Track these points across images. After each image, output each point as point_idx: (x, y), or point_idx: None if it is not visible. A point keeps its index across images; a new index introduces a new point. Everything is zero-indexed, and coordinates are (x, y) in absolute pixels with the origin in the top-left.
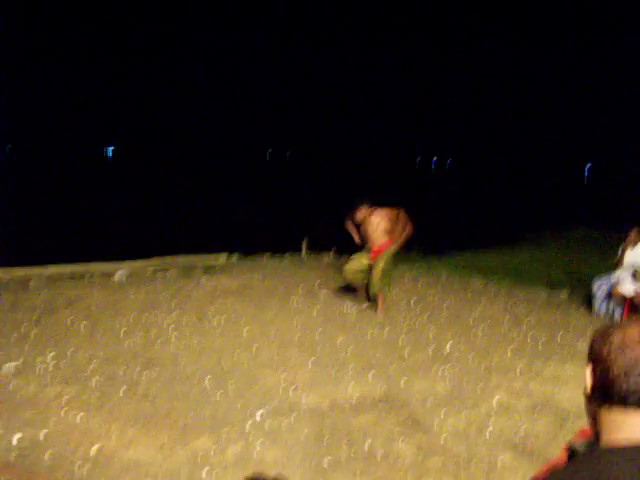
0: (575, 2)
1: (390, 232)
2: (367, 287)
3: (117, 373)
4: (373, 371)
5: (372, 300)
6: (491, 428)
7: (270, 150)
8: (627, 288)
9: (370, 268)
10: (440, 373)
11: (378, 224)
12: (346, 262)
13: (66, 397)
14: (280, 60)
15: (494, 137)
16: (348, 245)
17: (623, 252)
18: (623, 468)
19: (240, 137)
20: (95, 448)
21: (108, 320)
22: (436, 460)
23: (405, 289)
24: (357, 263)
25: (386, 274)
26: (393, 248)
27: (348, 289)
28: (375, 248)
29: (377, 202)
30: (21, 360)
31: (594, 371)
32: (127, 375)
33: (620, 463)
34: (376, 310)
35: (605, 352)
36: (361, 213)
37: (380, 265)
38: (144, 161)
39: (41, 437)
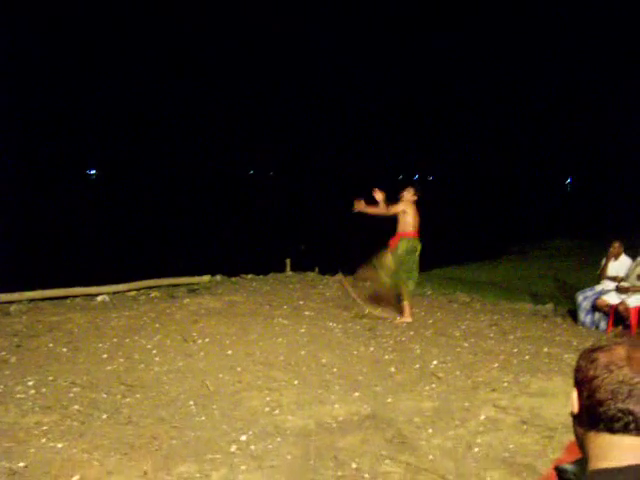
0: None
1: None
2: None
3: (99, 399)
4: (359, 390)
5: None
6: (479, 444)
7: (252, 171)
8: (612, 298)
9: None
10: (427, 390)
11: (414, 215)
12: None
13: (46, 425)
14: (263, 78)
15: (476, 152)
16: (331, 264)
17: (606, 264)
18: None
19: (222, 158)
20: (76, 478)
21: (90, 344)
22: (425, 479)
23: (390, 305)
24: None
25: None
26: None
27: (333, 307)
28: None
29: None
30: (0, 387)
31: (580, 394)
32: (109, 400)
33: None
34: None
35: (591, 374)
36: (410, 196)
37: (390, 259)
38: (126, 184)
39: (20, 468)
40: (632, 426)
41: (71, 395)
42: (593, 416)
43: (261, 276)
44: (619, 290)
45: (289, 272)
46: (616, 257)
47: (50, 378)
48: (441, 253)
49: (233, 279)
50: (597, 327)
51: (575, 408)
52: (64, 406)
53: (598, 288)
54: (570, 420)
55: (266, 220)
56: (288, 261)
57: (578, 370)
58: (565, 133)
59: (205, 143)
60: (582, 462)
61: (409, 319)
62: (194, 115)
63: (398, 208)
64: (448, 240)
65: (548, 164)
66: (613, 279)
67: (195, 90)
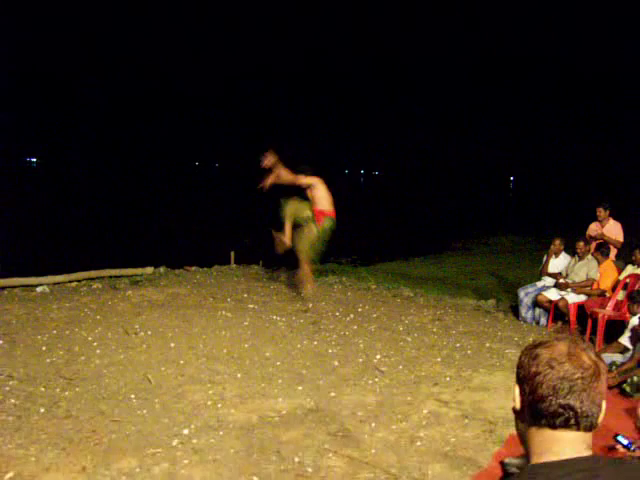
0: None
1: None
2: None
3: (36, 392)
4: (302, 384)
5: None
6: (422, 438)
7: (197, 163)
8: (552, 294)
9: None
10: (370, 384)
11: (326, 192)
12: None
13: None
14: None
15: (421, 149)
16: (276, 256)
17: (547, 261)
18: None
19: (167, 150)
20: (10, 475)
21: (28, 336)
22: (367, 473)
23: (334, 299)
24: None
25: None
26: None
27: (277, 300)
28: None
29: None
30: None
31: (522, 390)
32: (47, 394)
33: None
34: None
35: (533, 371)
36: (307, 177)
37: (315, 232)
38: (69, 173)
39: None
40: (572, 421)
41: (7, 389)
42: (535, 412)
43: (205, 268)
44: (559, 286)
45: (233, 265)
46: (556, 254)
47: None
48: (386, 248)
49: (176, 271)
50: (538, 323)
51: (517, 404)
52: None
53: (539, 284)
54: (510, 414)
55: (211, 212)
56: (232, 254)
57: (520, 367)
58: (509, 132)
59: (151, 132)
60: (525, 460)
61: (312, 284)
62: (141, 103)
63: (303, 180)
64: (393, 235)
65: (492, 162)
66: (553, 276)
67: (139, 78)
